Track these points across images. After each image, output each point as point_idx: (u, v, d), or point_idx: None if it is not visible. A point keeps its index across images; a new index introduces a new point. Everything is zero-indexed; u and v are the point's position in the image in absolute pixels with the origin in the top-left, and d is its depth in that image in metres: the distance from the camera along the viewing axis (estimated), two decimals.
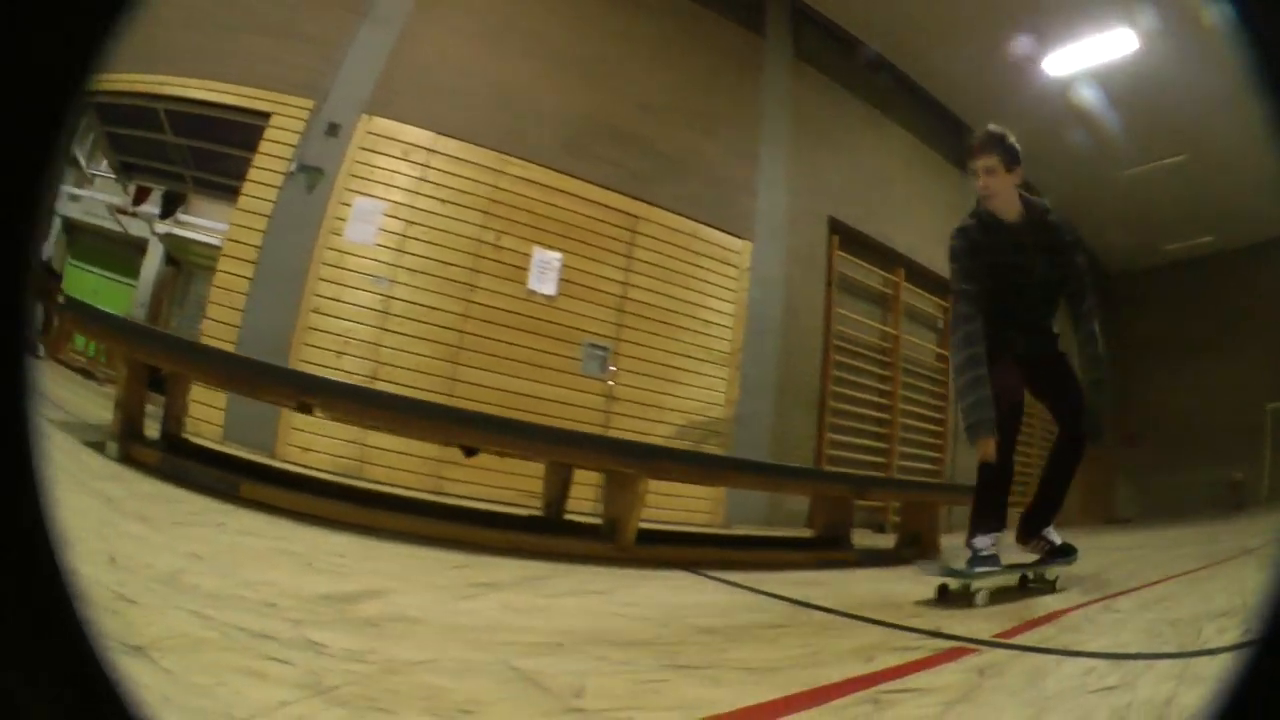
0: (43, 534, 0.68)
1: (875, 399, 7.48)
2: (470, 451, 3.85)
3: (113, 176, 8.78)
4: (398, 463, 5.11)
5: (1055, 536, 3.42)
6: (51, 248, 10.22)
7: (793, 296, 6.92)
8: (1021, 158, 3.23)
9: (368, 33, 5.56)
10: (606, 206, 5.94)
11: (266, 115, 5.42)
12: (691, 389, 6.39)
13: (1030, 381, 3.41)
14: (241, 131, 5.58)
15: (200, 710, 1.08)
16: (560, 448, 3.93)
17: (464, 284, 5.40)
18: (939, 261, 4.04)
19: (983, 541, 3.12)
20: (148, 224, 9.81)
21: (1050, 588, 3.39)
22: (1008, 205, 3.26)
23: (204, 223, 8.63)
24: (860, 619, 2.60)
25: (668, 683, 1.57)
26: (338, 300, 5.19)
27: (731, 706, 1.42)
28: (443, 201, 5.51)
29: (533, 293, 5.54)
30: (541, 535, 3.56)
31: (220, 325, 5.30)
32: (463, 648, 1.65)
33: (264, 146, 5.38)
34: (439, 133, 5.48)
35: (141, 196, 9.03)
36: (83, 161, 9.33)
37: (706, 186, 6.55)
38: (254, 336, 5.14)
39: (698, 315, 6.44)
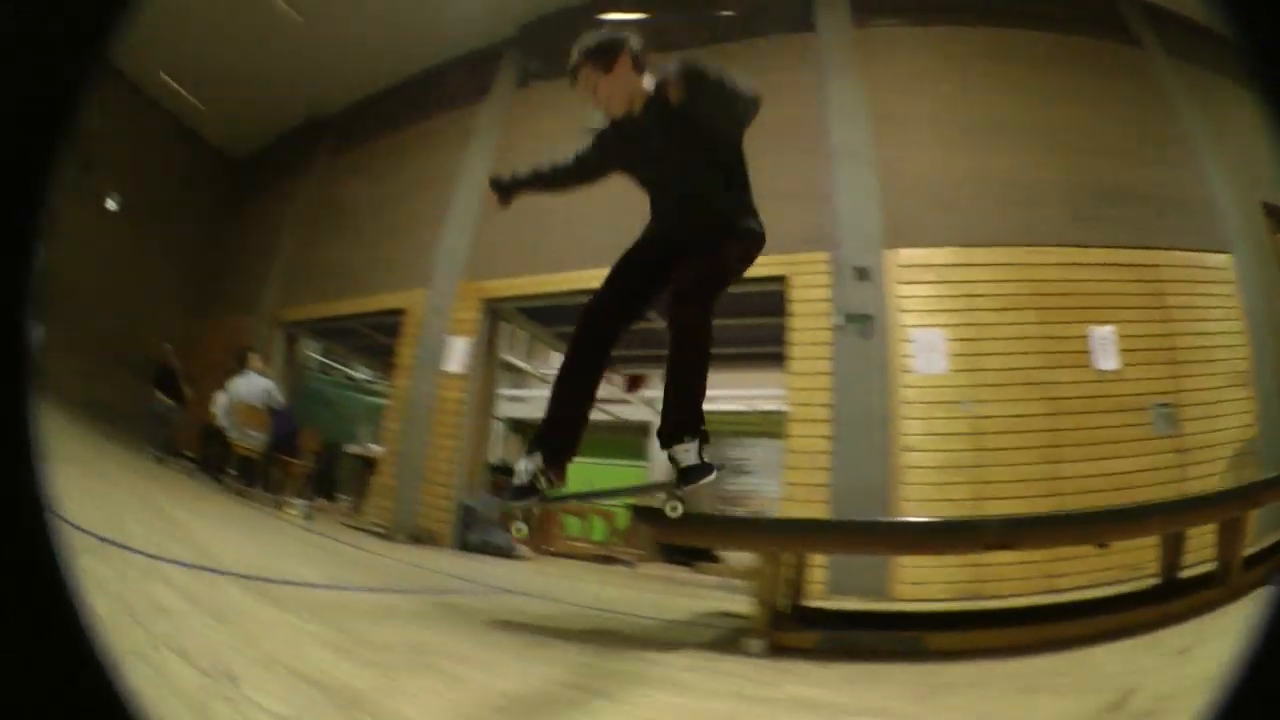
0: (43, 534, 0.69)
1: None
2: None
3: None
4: (1011, 573, 5.01)
5: None
6: (502, 450, 11.41)
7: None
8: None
9: (847, 172, 5.77)
10: (1123, 265, 5.80)
11: (781, 278, 5.68)
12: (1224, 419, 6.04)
13: None
14: (750, 300, 5.95)
15: None
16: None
17: (1040, 384, 5.34)
18: None
19: None
20: (649, 406, 10.52)
21: None
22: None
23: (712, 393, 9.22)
24: None
25: None
26: (930, 434, 5.23)
27: None
28: (991, 310, 5.52)
29: (1101, 371, 5.42)
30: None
31: (802, 487, 5.47)
32: None
33: (795, 307, 5.62)
34: (959, 245, 5.54)
35: (635, 383, 9.72)
36: (525, 365, 10.36)
37: (1178, 211, 6.32)
38: (849, 489, 5.26)
39: (1206, 343, 6.14)
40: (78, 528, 2.05)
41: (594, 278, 5.94)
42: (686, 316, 2.82)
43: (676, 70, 2.61)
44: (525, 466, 2.83)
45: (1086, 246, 5.64)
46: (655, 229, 3.19)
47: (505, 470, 8.29)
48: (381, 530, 6.86)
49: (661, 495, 2.87)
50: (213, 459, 8.35)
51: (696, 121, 2.78)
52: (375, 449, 8.81)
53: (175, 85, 12.20)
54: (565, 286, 6.48)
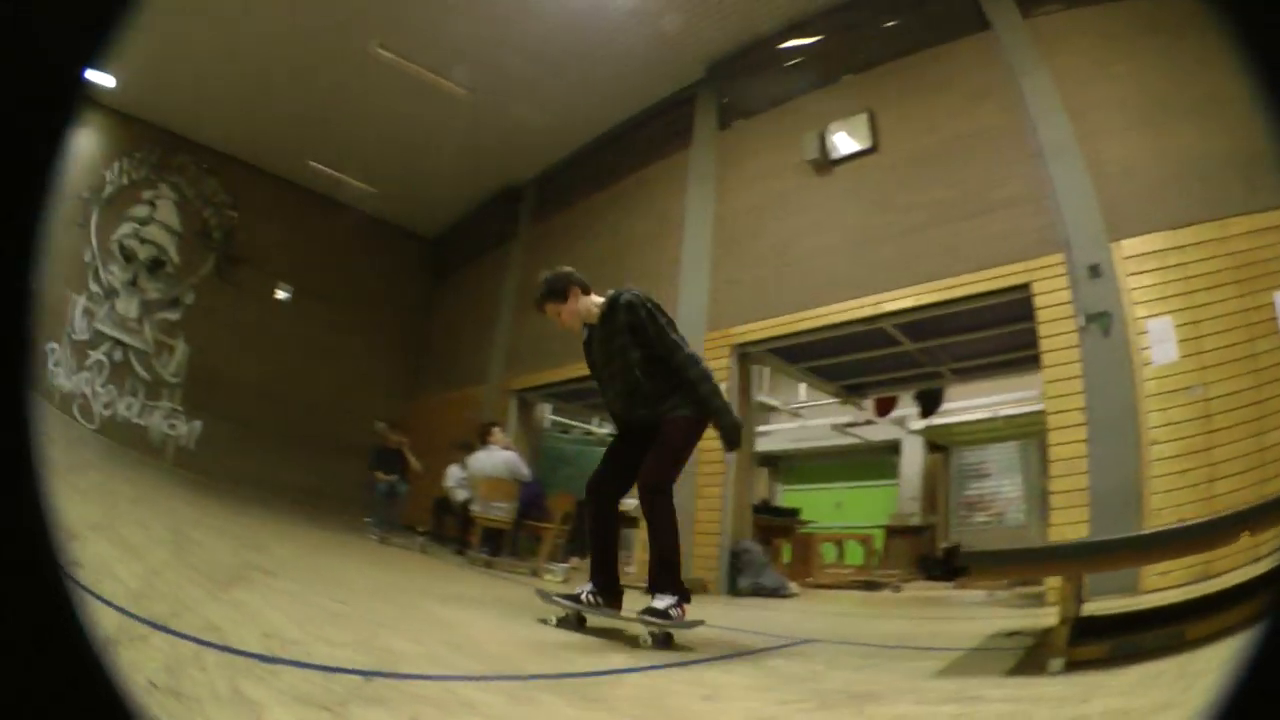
0: (43, 534, 0.70)
1: None
2: None
3: (834, 401, 10.10)
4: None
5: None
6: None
7: None
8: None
9: (1060, 169, 5.81)
10: None
11: (1025, 286, 5.84)
12: None
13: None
14: (993, 311, 6.19)
15: None
16: None
17: (1244, 358, 5.12)
18: None
19: None
20: (898, 425, 11.13)
21: None
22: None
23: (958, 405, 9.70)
24: None
25: None
26: (1169, 424, 5.17)
27: None
28: (1203, 290, 5.37)
29: None
30: None
31: (1065, 494, 5.47)
32: None
33: (1041, 314, 5.76)
34: (1176, 227, 5.41)
35: (885, 406, 10.12)
36: (770, 400, 10.95)
37: None
38: (1107, 489, 5.26)
39: None
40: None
41: (834, 313, 6.41)
42: (644, 507, 3.66)
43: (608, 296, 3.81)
44: (586, 589, 3.76)
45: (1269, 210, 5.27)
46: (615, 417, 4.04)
47: (764, 509, 8.70)
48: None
49: None
50: (445, 531, 8.76)
51: (621, 331, 3.74)
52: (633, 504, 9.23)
53: (333, 172, 13.10)
54: (811, 324, 6.86)
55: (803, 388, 11.31)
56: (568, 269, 4.03)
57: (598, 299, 3.93)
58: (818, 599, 6.95)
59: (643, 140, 9.67)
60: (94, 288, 13.32)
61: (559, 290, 3.95)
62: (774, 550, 7.87)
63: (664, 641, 3.34)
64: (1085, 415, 5.39)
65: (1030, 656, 3.18)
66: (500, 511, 7.34)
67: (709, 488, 7.22)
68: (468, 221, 14.05)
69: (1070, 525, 5.25)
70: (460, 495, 8.39)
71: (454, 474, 8.76)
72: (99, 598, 2.24)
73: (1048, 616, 3.21)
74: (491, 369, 11.37)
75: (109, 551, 3.17)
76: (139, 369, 13.34)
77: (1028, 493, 10.46)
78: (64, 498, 3.42)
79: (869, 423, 11.24)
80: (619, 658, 3.05)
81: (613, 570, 3.84)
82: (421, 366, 14.74)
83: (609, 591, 3.77)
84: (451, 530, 8.73)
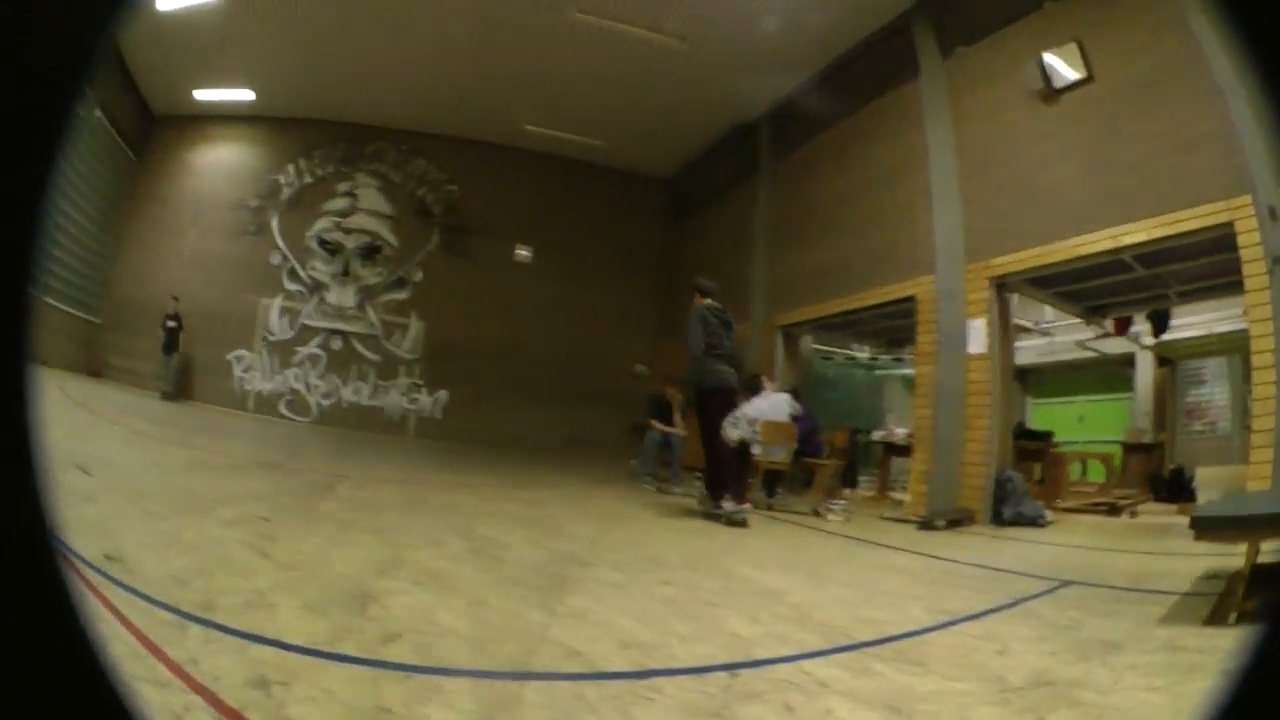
0: (43, 534, 0.68)
1: None
2: None
3: (1078, 321, 10.85)
4: None
5: None
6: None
7: None
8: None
9: (1235, 109, 5.60)
10: None
11: (1229, 224, 5.74)
12: None
13: None
14: (1203, 245, 6.28)
15: None
16: None
17: None
18: None
19: None
20: (1132, 342, 11.98)
21: None
22: None
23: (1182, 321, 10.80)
24: None
25: None
26: None
27: None
28: None
29: None
30: None
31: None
32: None
33: (1243, 253, 5.64)
34: None
35: (1122, 325, 11.03)
36: (1020, 321, 11.12)
37: None
38: None
39: None
40: None
41: (1080, 244, 6.58)
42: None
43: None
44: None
45: None
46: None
47: (1021, 434, 8.76)
48: (919, 519, 6.95)
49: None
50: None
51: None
52: (900, 433, 9.29)
53: (553, 132, 13.26)
54: (1060, 256, 6.91)
55: (1048, 309, 11.48)
56: (698, 279, 6.90)
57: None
58: (1067, 528, 7.02)
59: (870, 71, 9.61)
60: (291, 287, 14.16)
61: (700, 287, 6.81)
62: (1028, 471, 8.03)
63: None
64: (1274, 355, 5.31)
65: (1220, 605, 3.32)
66: (781, 453, 7.49)
67: (977, 419, 7.39)
68: (703, 159, 13.88)
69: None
70: (733, 435, 8.60)
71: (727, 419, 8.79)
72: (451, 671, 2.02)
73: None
74: (754, 306, 11.34)
75: (424, 600, 2.76)
76: (366, 353, 14.07)
77: (1233, 402, 11.59)
78: (345, 545, 3.58)
79: (1106, 335, 11.64)
80: (917, 611, 3.33)
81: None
82: (674, 309, 14.04)
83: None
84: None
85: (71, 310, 12.81)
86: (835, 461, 8.05)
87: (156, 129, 14.38)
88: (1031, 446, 8.53)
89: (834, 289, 9.69)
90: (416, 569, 3.20)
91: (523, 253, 14.58)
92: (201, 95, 13.50)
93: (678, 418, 9.22)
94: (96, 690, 0.69)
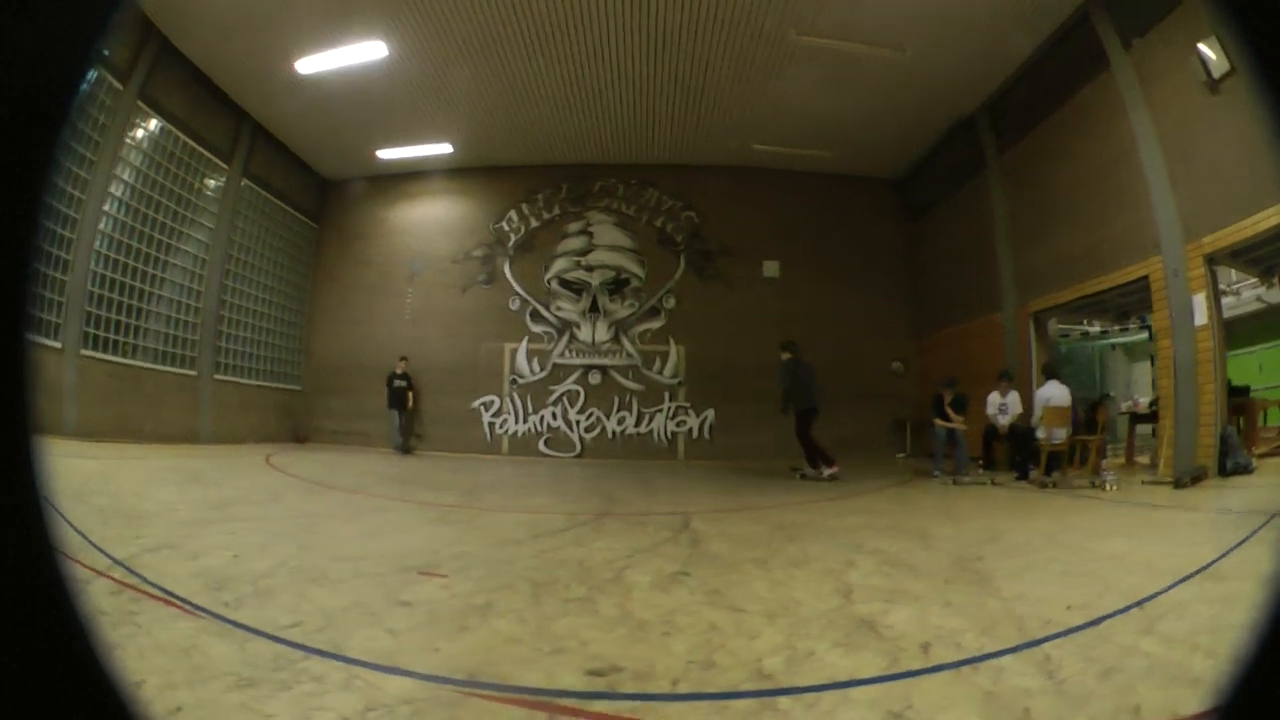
0: (42, 534, 0.67)
1: None
2: None
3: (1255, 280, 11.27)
4: None
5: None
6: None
7: None
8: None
9: None
10: None
11: None
12: None
13: None
14: None
15: None
16: None
17: None
18: None
19: None
20: None
21: None
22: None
23: None
24: None
25: None
26: None
27: None
28: None
29: None
30: None
31: None
32: None
33: None
34: None
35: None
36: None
37: None
38: None
39: None
40: None
41: (1263, 219, 7.24)
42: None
43: None
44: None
45: None
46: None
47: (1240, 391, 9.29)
48: (1173, 479, 7.51)
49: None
50: (995, 457, 9.75)
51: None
52: (1143, 402, 9.93)
53: (780, 149, 13.45)
54: (1249, 232, 7.37)
55: (1233, 272, 11.65)
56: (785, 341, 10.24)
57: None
58: (1271, 470, 7.75)
59: (1067, 62, 10.03)
60: (536, 329, 14.53)
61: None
62: (1235, 423, 8.54)
63: None
64: None
65: None
66: (1061, 435, 8.45)
67: (1206, 384, 8.04)
68: (929, 158, 14.07)
69: None
70: (1001, 420, 9.67)
71: (993, 401, 9.69)
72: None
73: None
74: (1005, 295, 11.80)
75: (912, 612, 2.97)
76: (626, 382, 14.52)
77: None
78: (806, 581, 3.61)
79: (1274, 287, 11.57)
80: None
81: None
82: (922, 305, 14.79)
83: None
84: (1000, 454, 9.87)
85: (271, 385, 13.80)
86: (1103, 435, 8.70)
87: (333, 192, 15.23)
88: (1237, 401, 8.88)
89: (1079, 274, 10.20)
90: (890, 590, 3.36)
91: (770, 270, 14.77)
92: (386, 155, 14.09)
93: (950, 412, 9.78)
94: (96, 690, 0.68)
